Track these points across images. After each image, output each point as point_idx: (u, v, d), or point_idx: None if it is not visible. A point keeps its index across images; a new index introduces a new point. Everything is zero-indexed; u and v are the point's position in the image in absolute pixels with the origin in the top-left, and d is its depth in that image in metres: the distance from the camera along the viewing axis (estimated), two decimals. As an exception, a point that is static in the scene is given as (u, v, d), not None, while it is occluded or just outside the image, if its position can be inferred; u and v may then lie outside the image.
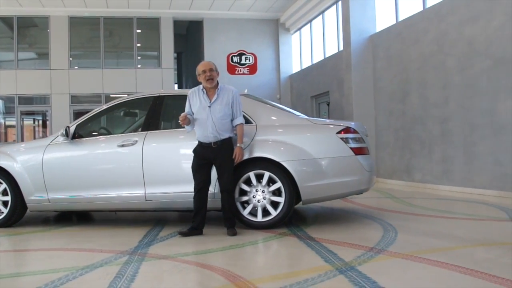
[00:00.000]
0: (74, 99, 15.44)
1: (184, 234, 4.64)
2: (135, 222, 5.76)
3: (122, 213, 6.31)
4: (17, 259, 3.96)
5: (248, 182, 4.91)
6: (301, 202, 5.12)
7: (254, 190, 4.89)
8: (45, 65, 15.41)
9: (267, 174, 4.86)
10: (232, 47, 16.43)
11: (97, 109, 5.64)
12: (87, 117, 5.57)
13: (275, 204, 4.87)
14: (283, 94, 16.67)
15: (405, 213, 5.80)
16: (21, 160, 5.47)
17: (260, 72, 16.62)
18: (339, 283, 2.93)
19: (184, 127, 4.81)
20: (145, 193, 5.09)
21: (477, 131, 7.49)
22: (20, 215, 5.55)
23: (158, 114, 5.36)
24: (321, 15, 14.55)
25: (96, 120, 5.71)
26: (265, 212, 4.89)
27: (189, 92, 4.85)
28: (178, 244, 4.26)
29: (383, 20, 10.72)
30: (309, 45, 15.54)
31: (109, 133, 5.89)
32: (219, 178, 4.64)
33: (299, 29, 16.34)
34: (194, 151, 4.73)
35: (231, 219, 4.70)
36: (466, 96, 7.73)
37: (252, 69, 16.59)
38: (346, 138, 4.97)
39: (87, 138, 5.50)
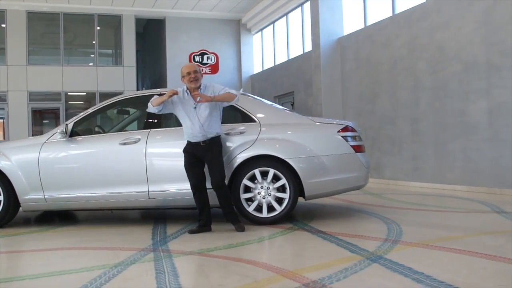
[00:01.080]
0: (33, 96, 14.81)
1: (193, 232, 4.70)
2: (133, 221, 5.72)
3: (116, 212, 6.23)
4: (39, 259, 3.84)
5: (251, 179, 5.03)
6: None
7: (259, 187, 5.02)
8: (1, 60, 14.70)
9: (272, 171, 5.00)
10: (194, 46, 16.39)
11: (95, 107, 5.57)
12: (85, 115, 5.49)
13: (279, 200, 5.03)
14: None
15: (393, 207, 6.12)
16: (15, 158, 5.30)
17: (222, 72, 16.69)
18: (378, 270, 3.13)
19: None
20: (148, 191, 5.09)
21: (449, 131, 8.00)
22: (12, 215, 5.38)
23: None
24: (285, 17, 14.84)
25: (93, 118, 5.62)
26: (269, 208, 5.03)
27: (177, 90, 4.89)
28: (193, 240, 4.32)
29: (350, 23, 11.13)
30: (272, 46, 15.81)
31: (103, 131, 5.80)
32: (210, 175, 4.71)
33: (261, 30, 16.57)
34: (184, 150, 4.80)
35: (231, 213, 4.78)
36: (437, 98, 8.23)
37: (214, 68, 16.62)
38: (346, 136, 5.22)
39: (86, 136, 5.42)
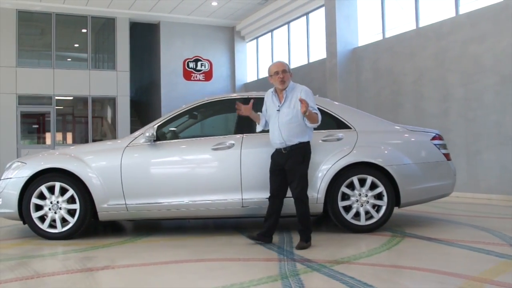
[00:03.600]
0: (22, 100, 13.93)
1: (252, 238, 4.50)
2: (207, 229, 5.46)
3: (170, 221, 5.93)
4: (172, 272, 3.56)
5: (348, 186, 4.94)
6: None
7: (357, 194, 4.94)
8: (-11, 61, 13.76)
9: (370, 179, 4.94)
10: (188, 52, 16.10)
11: (178, 109, 5.29)
12: (168, 118, 5.20)
13: (375, 208, 4.98)
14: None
15: (464, 215, 6.21)
16: (94, 163, 4.94)
17: (215, 79, 16.50)
18: None
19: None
20: (242, 198, 4.89)
21: (482, 141, 8.24)
22: (86, 225, 4.99)
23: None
24: (285, 26, 14.87)
25: (177, 121, 5.34)
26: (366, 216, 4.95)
27: (266, 94, 4.75)
28: (312, 251, 4.16)
29: (365, 34, 11.33)
30: (270, 55, 15.78)
31: (177, 135, 5.49)
32: (290, 187, 4.48)
33: (256, 38, 16.52)
34: (271, 155, 4.61)
35: (305, 231, 4.37)
36: (469, 108, 8.47)
37: (208, 75, 16.40)
38: (438, 144, 5.26)
39: (172, 141, 5.14)
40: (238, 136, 5.03)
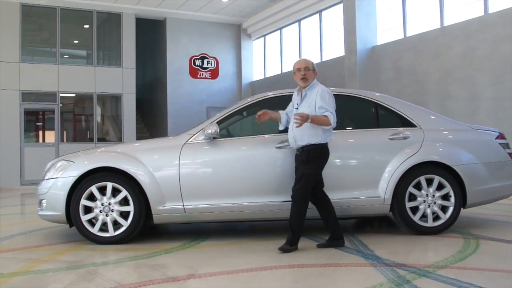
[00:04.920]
0: (26, 96, 13.43)
1: (324, 246, 4.24)
2: (255, 232, 5.22)
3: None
4: (271, 280, 3.32)
5: (415, 186, 4.76)
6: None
7: (424, 195, 4.76)
8: (-8, 56, 13.24)
9: (437, 179, 4.76)
10: (193, 49, 15.79)
11: (236, 106, 5.01)
12: (226, 114, 4.90)
13: (443, 209, 4.80)
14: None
15: (505, 216, 6.08)
16: (150, 162, 4.63)
17: (221, 77, 16.22)
18: None
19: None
20: (308, 199, 4.64)
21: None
22: (140, 229, 4.69)
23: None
24: (296, 23, 14.66)
25: (234, 118, 5.05)
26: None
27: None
28: (398, 253, 3.97)
29: (384, 33, 11.21)
30: (278, 53, 15.56)
31: (230, 134, 5.22)
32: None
33: (263, 36, 16.29)
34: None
35: (295, 234, 4.09)
36: (500, 108, 8.39)
37: (214, 73, 16.11)
38: (502, 143, 5.11)
39: (233, 138, 4.86)
40: (301, 134, 4.77)
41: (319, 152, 4.20)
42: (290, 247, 4.08)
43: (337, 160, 4.74)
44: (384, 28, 11.32)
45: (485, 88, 8.66)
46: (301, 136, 4.15)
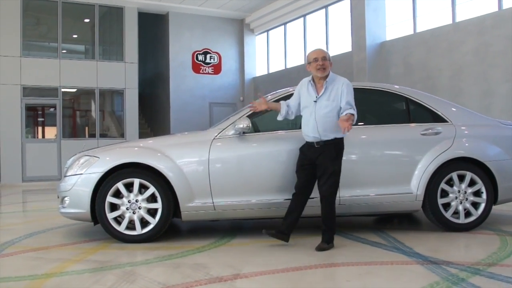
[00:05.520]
0: (27, 91, 13.18)
1: (269, 234, 4.15)
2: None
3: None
4: (326, 279, 3.23)
5: (446, 182, 4.69)
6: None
7: (456, 191, 4.69)
8: (-8, 50, 12.96)
9: (469, 175, 4.70)
10: (196, 44, 15.62)
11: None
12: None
13: (474, 205, 4.74)
14: (247, 96, 16.30)
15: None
16: (178, 158, 4.50)
17: (224, 73, 16.09)
18: None
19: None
20: (339, 196, 4.54)
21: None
22: (167, 226, 4.56)
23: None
24: (301, 19, 14.54)
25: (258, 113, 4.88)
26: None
27: (300, 82, 4.41)
28: (440, 251, 3.88)
29: (393, 28, 11.13)
30: (282, 48, 15.43)
31: (257, 128, 5.07)
32: (318, 184, 4.16)
33: (267, 31, 16.15)
34: (301, 149, 4.30)
35: (328, 232, 4.05)
36: (515, 104, 8.36)
37: (217, 69, 15.97)
38: (531, 139, 5.04)
39: (264, 133, 4.72)
40: (332, 129, 4.66)
41: (343, 146, 4.16)
42: (327, 245, 4.00)
43: (370, 156, 4.68)
44: (393, 23, 11.24)
45: (500, 85, 8.62)
46: (327, 129, 4.05)
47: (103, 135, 14.43)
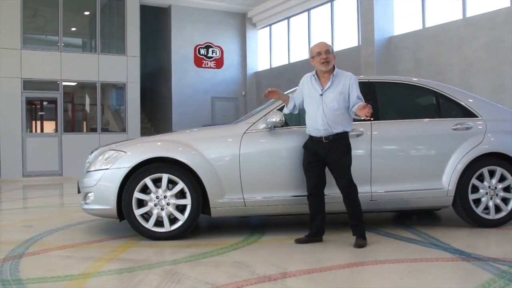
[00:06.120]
0: (27, 84, 12.93)
1: (301, 242, 4.10)
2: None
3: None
4: (377, 277, 3.17)
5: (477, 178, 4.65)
6: None
7: (486, 187, 4.66)
8: (-9, 42, 12.69)
9: (499, 170, 4.66)
10: (198, 38, 15.47)
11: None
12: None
13: (504, 201, 4.70)
14: (248, 90, 16.21)
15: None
16: (208, 152, 4.39)
17: (226, 67, 15.97)
18: None
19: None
20: (371, 192, 4.49)
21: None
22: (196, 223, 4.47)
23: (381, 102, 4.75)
24: (305, 13, 14.44)
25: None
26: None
27: (303, 77, 4.33)
28: (485, 245, 3.84)
29: (401, 23, 11.09)
30: (286, 43, 15.33)
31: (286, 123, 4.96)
32: (335, 179, 4.10)
33: (269, 25, 16.04)
34: (304, 145, 4.23)
35: (358, 226, 4.01)
36: (527, 100, 8.36)
37: (219, 63, 15.84)
38: (558, 134, 5.01)
39: (291, 127, 4.61)
40: (366, 123, 4.58)
41: (349, 140, 4.11)
42: (364, 240, 3.95)
43: (400, 151, 4.64)
44: (402, 18, 11.19)
45: (511, 80, 8.61)
46: (337, 122, 4.00)
47: (104, 130, 14.24)
